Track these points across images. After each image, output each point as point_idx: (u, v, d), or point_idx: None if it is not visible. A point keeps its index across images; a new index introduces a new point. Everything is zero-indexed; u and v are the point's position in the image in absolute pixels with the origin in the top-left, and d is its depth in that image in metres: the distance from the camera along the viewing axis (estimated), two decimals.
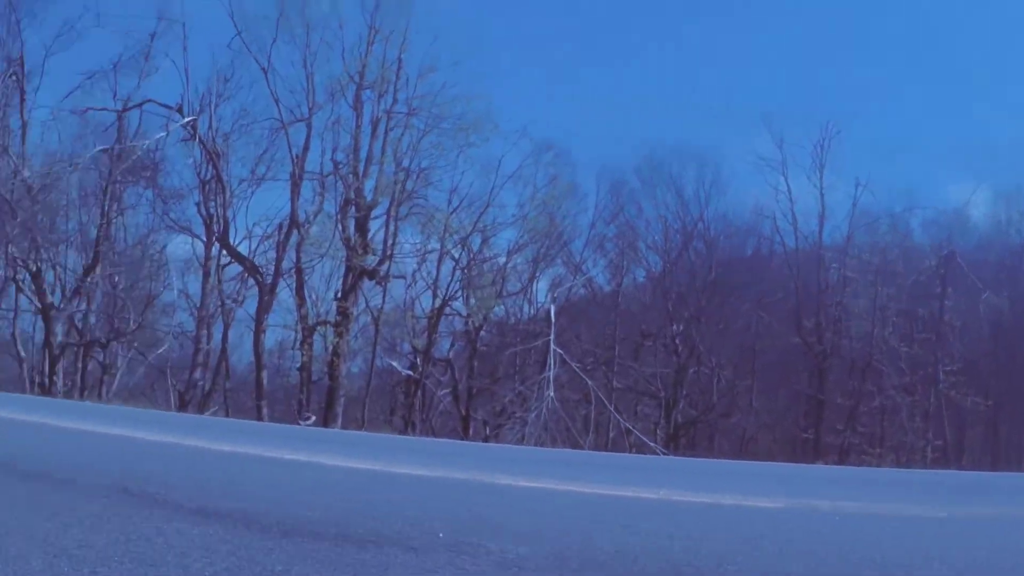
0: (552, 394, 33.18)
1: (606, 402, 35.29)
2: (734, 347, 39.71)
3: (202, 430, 12.73)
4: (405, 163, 34.38)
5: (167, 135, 34.54)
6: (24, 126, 35.07)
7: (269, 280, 34.07)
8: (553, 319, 34.58)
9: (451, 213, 35.04)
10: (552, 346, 33.95)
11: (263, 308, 33.87)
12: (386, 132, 34.31)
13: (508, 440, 32.40)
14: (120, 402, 30.53)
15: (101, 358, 35.44)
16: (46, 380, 33.20)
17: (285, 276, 34.37)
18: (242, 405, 35.73)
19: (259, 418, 31.62)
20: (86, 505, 4.58)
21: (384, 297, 35.27)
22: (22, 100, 35.05)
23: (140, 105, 34.77)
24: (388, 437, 22.49)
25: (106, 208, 34.19)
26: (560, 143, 40.05)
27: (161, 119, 34.76)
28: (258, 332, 33.83)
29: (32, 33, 35.51)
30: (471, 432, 35.30)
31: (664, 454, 32.60)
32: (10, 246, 33.42)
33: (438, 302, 36.07)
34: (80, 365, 34.97)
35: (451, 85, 33.82)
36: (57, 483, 5.30)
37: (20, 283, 34.70)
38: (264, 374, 33.71)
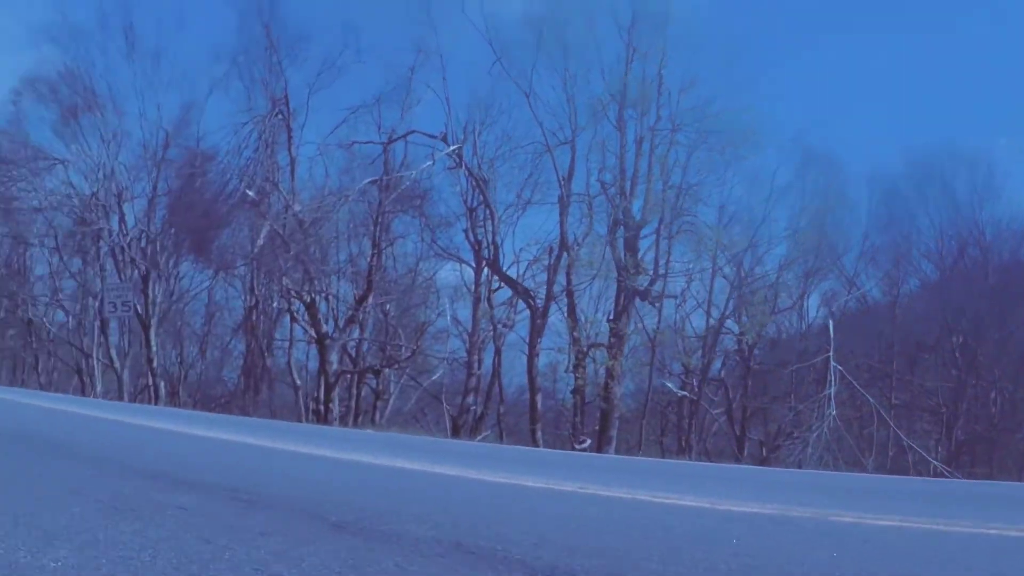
0: (834, 412, 33.10)
1: (888, 419, 34.99)
2: (1015, 357, 38.78)
3: (499, 462, 12.04)
4: (673, 180, 34.41)
5: (433, 164, 35.67)
6: (292, 162, 36.99)
7: (540, 304, 34.87)
8: (832, 335, 34.50)
9: (722, 229, 35.29)
10: (832, 363, 33.86)
11: (536, 332, 34.62)
12: (651, 150, 34.38)
13: (787, 462, 32.47)
14: (395, 428, 31.70)
15: (374, 384, 36.96)
16: (321, 407, 34.76)
17: (555, 299, 35.11)
18: (512, 428, 36.65)
19: (533, 443, 32.28)
20: (423, 569, 4.16)
21: (660, 317, 35.57)
22: (289, 137, 36.99)
23: (405, 136, 36.09)
24: (689, 465, 22.03)
25: (377, 238, 35.62)
26: (828, 150, 39.57)
27: (426, 148, 35.89)
28: (531, 356, 34.50)
29: (294, 72, 37.58)
30: (745, 453, 35.47)
31: (949, 474, 32.16)
32: (284, 278, 35.23)
33: (711, 321, 36.33)
34: (354, 392, 36.55)
35: (715, 98, 33.87)
36: (380, 537, 4.67)
37: (295, 314, 36.56)
38: (538, 398, 34.53)
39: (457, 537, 4.70)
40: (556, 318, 35.73)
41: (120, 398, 37.13)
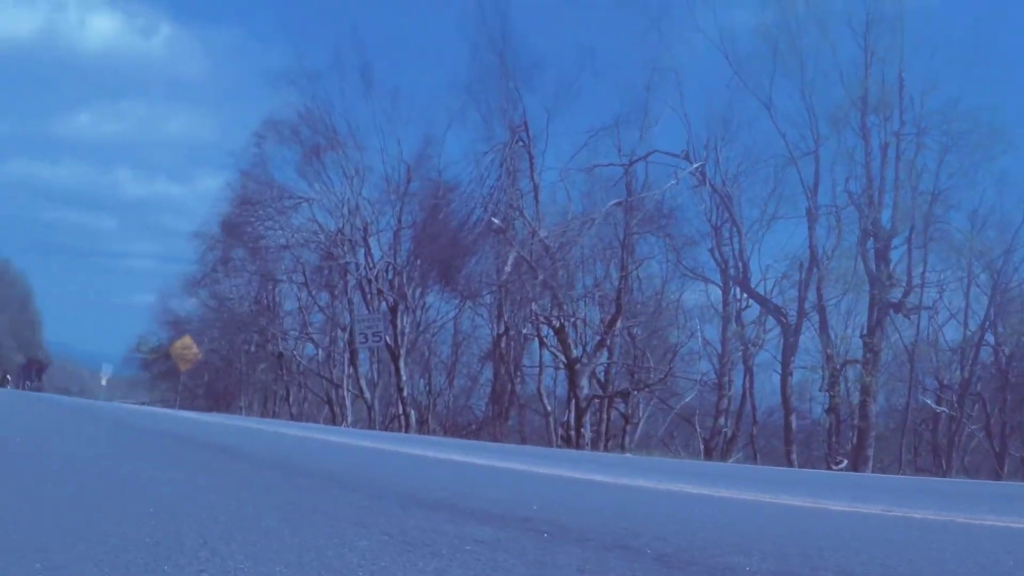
0: None
1: None
2: None
3: (779, 485, 11.23)
4: (922, 186, 34.32)
5: (676, 183, 36.51)
6: (536, 189, 38.35)
7: (792, 320, 35.14)
8: None
9: (976, 235, 34.98)
10: None
11: (788, 350, 34.95)
12: (897, 156, 34.41)
13: None
14: (656, 452, 32.36)
15: (622, 409, 37.79)
16: (572, 432, 35.66)
17: (806, 315, 35.33)
18: (761, 449, 36.91)
19: (788, 463, 32.58)
20: None
21: (917, 330, 35.42)
22: (531, 164, 38.39)
23: (646, 157, 37.09)
24: (971, 483, 20.79)
25: (624, 261, 36.59)
26: None
27: (666, 168, 37.02)
28: (785, 375, 34.83)
29: (532, 99, 39.04)
30: (1005, 470, 34.82)
31: None
32: (533, 304, 36.44)
33: (968, 332, 35.96)
34: (604, 416, 37.43)
35: (960, 98, 33.63)
36: (713, 574, 4.20)
37: (544, 339, 37.78)
38: (792, 418, 34.70)
39: (796, 570, 4.32)
40: (804, 336, 35.98)
41: (370, 427, 38.79)
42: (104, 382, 61.26)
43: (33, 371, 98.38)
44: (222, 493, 5.83)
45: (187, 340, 44.69)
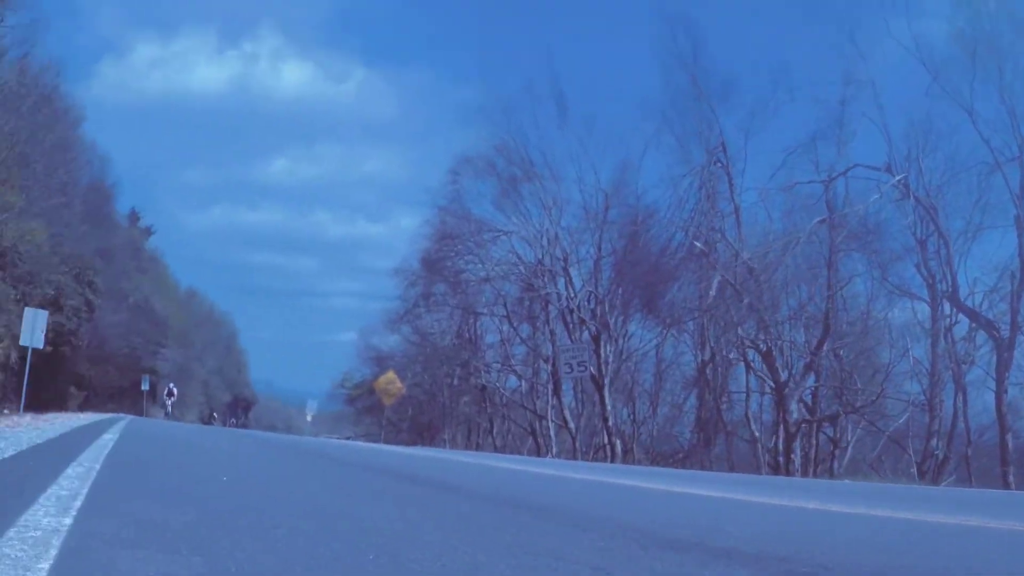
0: None
1: None
2: None
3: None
4: None
5: (880, 197, 37.07)
6: (736, 210, 39.44)
7: (1004, 335, 34.92)
8: None
9: None
10: None
11: (1002, 366, 34.74)
12: None
13: None
14: (859, 477, 32.44)
15: (831, 432, 38.07)
16: (779, 458, 36.08)
17: (1020, 328, 35.06)
18: (973, 471, 36.41)
19: (1005, 485, 32.27)
20: None
21: None
22: (730, 185, 39.63)
23: (846, 172, 37.83)
24: None
25: (830, 280, 37.20)
26: None
27: (866, 182, 37.74)
28: (999, 392, 34.68)
29: (727, 119, 40.23)
30: None
31: None
32: (739, 328, 37.12)
33: None
34: (813, 441, 37.78)
35: None
36: None
37: (750, 364, 38.39)
38: (1008, 437, 34.36)
39: None
40: (1017, 351, 35.66)
41: (575, 457, 39.91)
42: (309, 418, 64.52)
43: (239, 409, 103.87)
44: (443, 532, 5.49)
45: (391, 375, 46.79)
